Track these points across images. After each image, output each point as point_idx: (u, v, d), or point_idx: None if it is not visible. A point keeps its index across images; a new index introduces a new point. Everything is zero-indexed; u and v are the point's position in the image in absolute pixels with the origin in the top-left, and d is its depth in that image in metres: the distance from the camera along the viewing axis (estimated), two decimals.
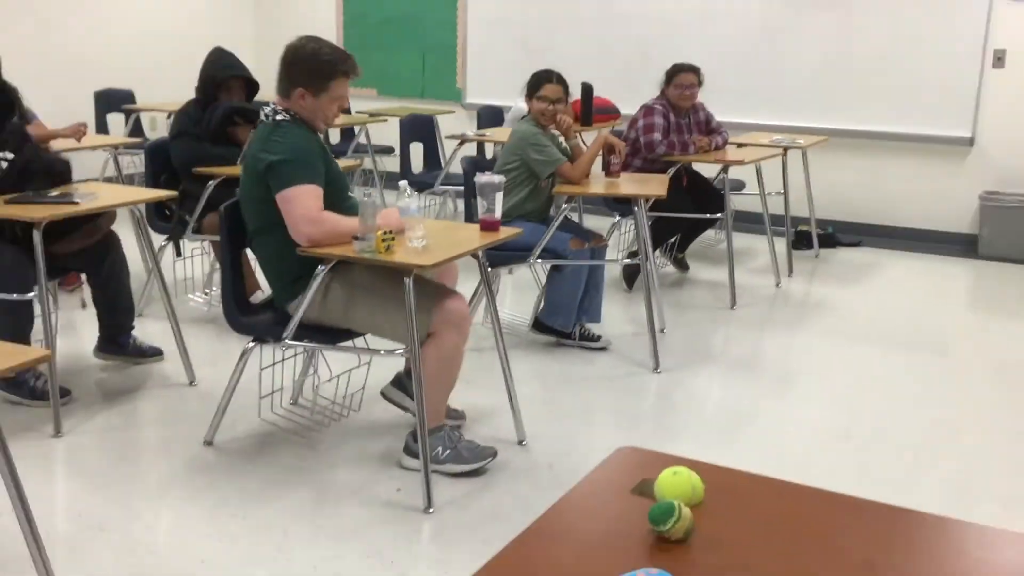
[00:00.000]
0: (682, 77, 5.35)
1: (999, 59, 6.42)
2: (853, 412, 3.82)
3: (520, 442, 3.44)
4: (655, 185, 4.42)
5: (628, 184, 4.49)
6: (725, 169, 5.34)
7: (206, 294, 5.03)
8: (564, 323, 4.39)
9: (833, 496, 1.61)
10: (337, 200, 3.13)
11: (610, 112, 6.85)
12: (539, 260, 4.21)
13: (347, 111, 7.72)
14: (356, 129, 7.35)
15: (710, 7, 7.17)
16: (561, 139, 4.48)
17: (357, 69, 3.11)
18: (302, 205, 2.98)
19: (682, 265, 5.89)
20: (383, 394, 3.51)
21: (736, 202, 6.50)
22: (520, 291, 5.32)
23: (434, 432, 3.09)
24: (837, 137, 6.84)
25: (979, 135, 6.57)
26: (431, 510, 2.92)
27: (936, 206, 6.81)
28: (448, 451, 3.09)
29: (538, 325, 4.49)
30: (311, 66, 3.07)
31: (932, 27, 6.53)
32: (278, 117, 3.11)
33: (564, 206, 4.32)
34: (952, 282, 5.93)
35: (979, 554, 1.45)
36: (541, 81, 4.36)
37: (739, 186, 6.31)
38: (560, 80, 4.37)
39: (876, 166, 6.93)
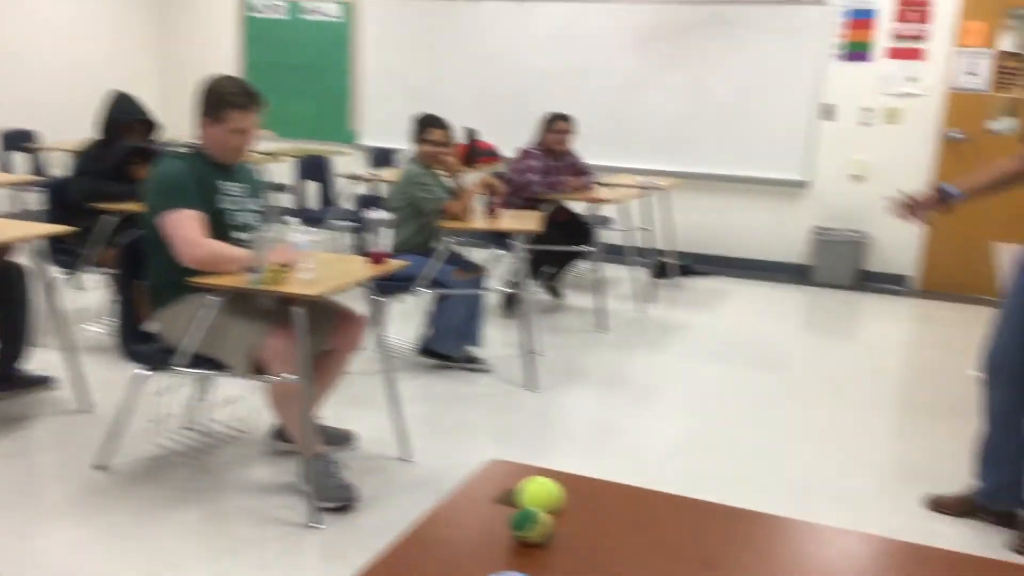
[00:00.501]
0: (558, 124, 5.45)
1: (828, 112, 6.74)
2: (705, 423, 3.90)
3: (404, 458, 3.39)
4: (530, 221, 4.45)
5: (506, 220, 4.50)
6: (595, 207, 5.43)
7: (102, 323, 4.81)
8: (451, 348, 4.36)
9: (679, 500, 1.62)
10: (223, 234, 3.01)
11: (492, 155, 6.89)
12: (424, 290, 4.17)
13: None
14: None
15: (581, 63, 7.31)
16: (445, 178, 4.47)
17: (253, 105, 3.00)
18: (180, 228, 2.89)
19: (556, 293, 5.95)
20: (271, 445, 3.44)
21: (604, 236, 6.62)
22: (408, 318, 5.28)
23: (310, 462, 2.95)
24: (692, 179, 7.05)
25: (811, 178, 6.86)
26: (318, 525, 2.84)
27: (775, 240, 7.07)
28: (319, 483, 2.93)
29: (426, 351, 4.43)
30: (209, 98, 2.99)
31: (771, 84, 6.81)
32: (176, 149, 3.02)
33: (448, 240, 4.30)
34: (789, 306, 6.15)
35: (808, 548, 1.48)
36: (427, 126, 4.36)
37: (607, 222, 6.41)
38: (444, 125, 4.38)
39: (725, 205, 7.16)
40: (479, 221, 4.41)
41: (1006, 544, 2.90)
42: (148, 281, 3.06)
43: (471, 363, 4.42)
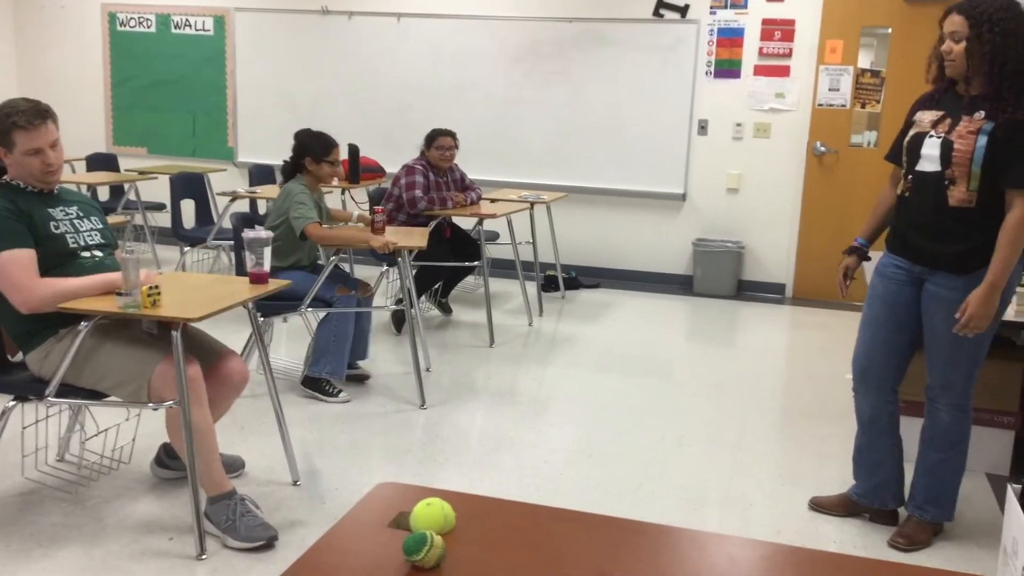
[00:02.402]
0: (442, 140, 5.45)
1: (702, 127, 6.98)
2: (595, 432, 3.96)
3: (295, 482, 3.31)
4: (417, 237, 4.43)
5: (392, 236, 4.45)
6: (480, 222, 5.45)
7: None
8: (333, 368, 4.20)
9: (570, 514, 1.64)
10: (60, 260, 2.84)
11: (375, 171, 6.84)
12: (309, 308, 4.10)
13: (113, 168, 7.26)
14: (126, 186, 6.91)
15: (461, 78, 7.35)
16: (321, 201, 4.40)
17: (38, 121, 2.78)
18: (7, 276, 2.71)
19: (446, 309, 5.94)
20: (153, 473, 3.31)
21: (491, 251, 6.66)
22: (295, 338, 5.17)
23: (216, 500, 2.84)
24: (575, 193, 7.18)
25: (689, 191, 7.09)
26: (204, 556, 2.74)
27: (658, 251, 7.26)
28: (228, 523, 2.81)
29: (306, 381, 4.25)
30: None
31: (647, 100, 7.00)
32: None
33: (332, 257, 4.23)
34: (673, 315, 6.32)
35: (697, 556, 1.52)
36: (331, 147, 4.28)
37: (493, 236, 6.45)
38: (337, 143, 4.35)
39: (609, 218, 7.31)
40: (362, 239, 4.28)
41: (888, 541, 3.05)
42: (6, 327, 2.89)
43: (357, 376, 4.43)
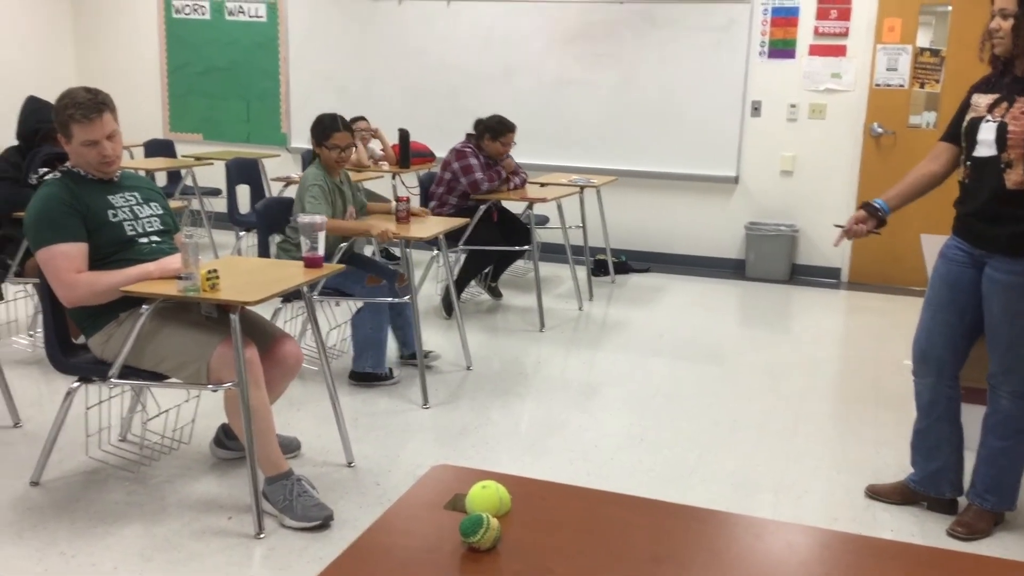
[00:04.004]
0: (509, 136, 5.41)
1: (756, 109, 6.87)
2: (647, 417, 3.95)
3: (349, 463, 3.36)
4: (428, 226, 4.21)
5: (391, 225, 4.08)
6: (530, 206, 5.45)
7: (31, 336, 4.66)
8: (375, 363, 4.17)
9: (625, 498, 1.64)
10: (118, 248, 2.91)
11: (425, 156, 6.88)
12: (331, 299, 4.03)
13: (170, 154, 7.40)
14: (183, 172, 7.04)
15: (511, 62, 7.33)
16: (343, 185, 4.19)
17: (93, 114, 2.83)
18: (52, 269, 2.80)
19: (496, 293, 5.95)
20: (212, 454, 3.37)
21: (541, 235, 6.66)
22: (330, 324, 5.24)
23: (274, 480, 2.90)
24: (625, 177, 7.13)
25: (742, 174, 6.99)
26: (262, 535, 2.80)
27: (710, 235, 7.19)
28: (285, 503, 2.86)
29: (353, 376, 4.23)
30: (56, 116, 2.89)
31: (699, 81, 6.92)
32: (47, 177, 2.93)
33: (342, 245, 4.07)
34: (725, 300, 6.26)
35: (752, 543, 1.51)
36: (329, 130, 4.03)
37: (543, 221, 6.45)
38: (347, 126, 4.08)
39: (660, 201, 7.25)
40: (403, 229, 4.12)
41: (946, 530, 3.00)
42: (69, 311, 2.96)
43: (424, 358, 4.26)
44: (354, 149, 4.23)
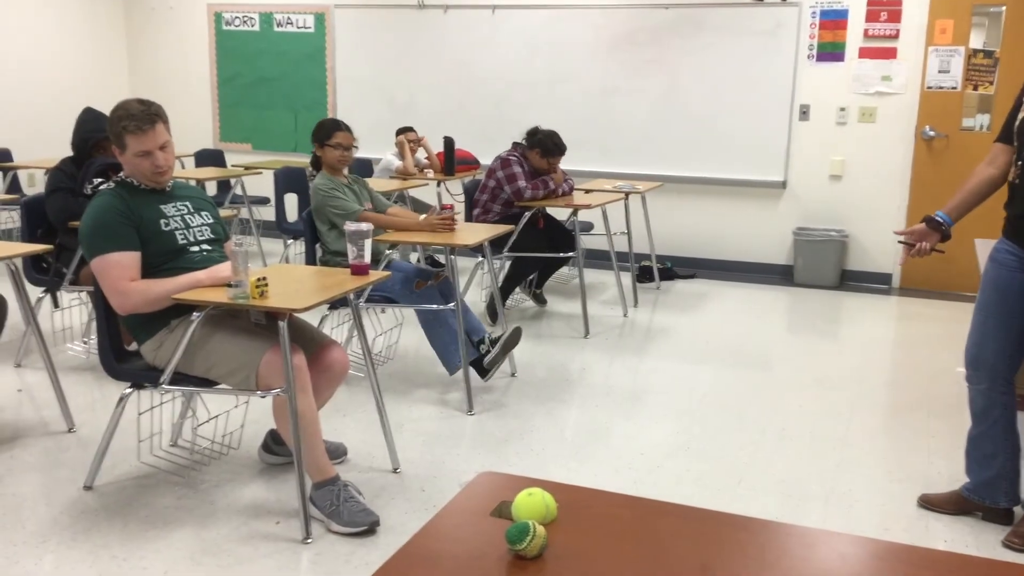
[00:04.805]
0: (558, 159, 5.46)
1: (804, 113, 6.79)
2: (693, 425, 3.91)
3: (395, 469, 3.37)
4: (474, 233, 4.23)
5: (459, 234, 4.15)
6: (575, 212, 5.44)
7: (84, 343, 4.77)
8: (459, 361, 4.10)
9: (672, 507, 1.63)
10: (170, 256, 2.96)
11: (470, 163, 6.90)
12: (368, 303, 4.04)
13: (220, 164, 7.53)
14: (232, 181, 7.16)
15: (557, 70, 7.34)
16: (354, 184, 4.26)
17: (146, 125, 2.89)
18: (107, 278, 2.86)
19: (540, 300, 5.95)
20: (261, 459, 3.41)
21: (586, 241, 6.64)
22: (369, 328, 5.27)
23: (321, 486, 2.92)
24: (671, 183, 7.09)
25: (790, 179, 6.91)
26: (310, 540, 2.82)
27: (757, 241, 7.11)
28: (332, 508, 2.89)
29: (477, 369, 4.17)
30: (110, 127, 2.95)
31: (746, 86, 6.86)
32: (101, 187, 3.01)
33: (387, 252, 4.17)
34: (773, 307, 6.18)
35: (802, 553, 1.49)
36: (331, 130, 4.15)
37: (588, 227, 6.43)
38: (347, 128, 4.20)
39: (705, 207, 7.19)
40: (419, 236, 4.12)
41: (1001, 541, 2.92)
42: (122, 319, 3.02)
43: (494, 344, 4.18)
44: (356, 149, 4.28)
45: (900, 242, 3.05)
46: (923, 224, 2.97)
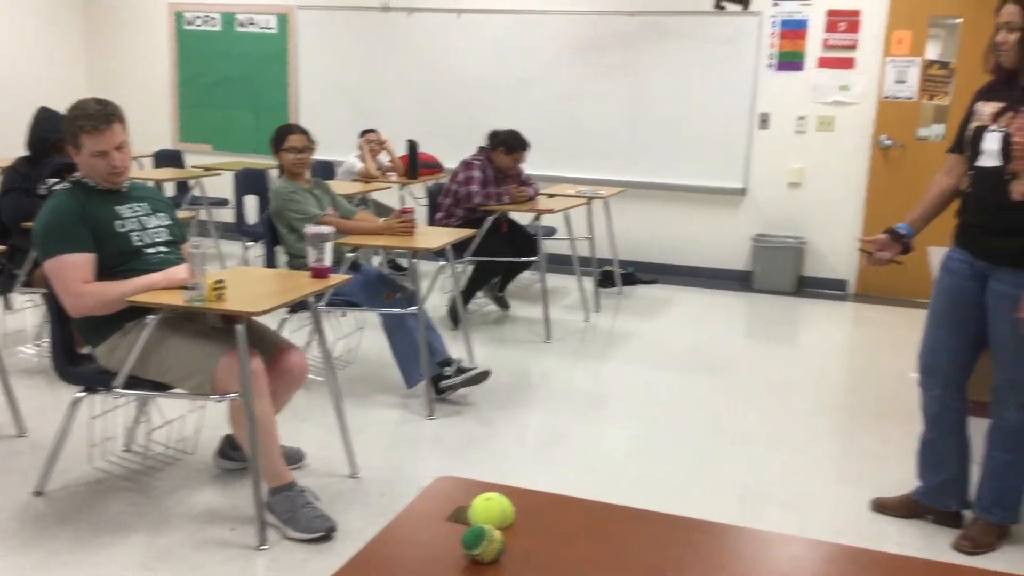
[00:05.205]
0: (522, 154, 5.50)
1: (764, 121, 6.87)
2: (654, 429, 3.93)
3: (353, 475, 3.35)
4: (436, 237, 4.22)
5: (416, 237, 4.14)
6: (538, 217, 5.46)
7: (37, 345, 4.68)
8: (419, 376, 4.08)
9: (629, 511, 1.63)
10: (125, 258, 2.92)
11: (434, 167, 6.89)
12: (330, 307, 4.01)
13: (179, 164, 7.44)
14: (191, 182, 7.07)
15: (522, 74, 7.35)
16: (316, 189, 4.27)
17: (103, 125, 2.85)
18: (60, 280, 2.81)
19: (503, 303, 5.95)
20: (216, 465, 3.37)
21: (548, 246, 6.65)
22: (343, 334, 5.24)
23: (277, 491, 2.89)
24: (633, 188, 7.13)
25: (750, 186, 6.99)
26: (265, 547, 2.79)
27: (717, 247, 7.18)
28: (288, 514, 2.86)
29: (437, 389, 4.13)
30: (66, 127, 2.91)
31: (708, 93, 6.93)
32: (56, 187, 2.95)
33: (348, 254, 4.13)
34: (732, 312, 6.24)
35: (756, 555, 1.50)
36: (284, 134, 4.20)
37: (551, 232, 6.45)
38: (303, 130, 4.23)
39: (667, 213, 7.25)
40: (378, 238, 4.13)
41: (952, 544, 2.97)
42: (74, 321, 2.96)
43: (464, 373, 4.15)
44: (313, 151, 4.29)
45: (860, 249, 3.10)
46: (885, 235, 3.02)
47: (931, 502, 3.10)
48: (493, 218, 5.29)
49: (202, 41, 8.28)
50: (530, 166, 5.89)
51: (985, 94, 2.86)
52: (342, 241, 3.96)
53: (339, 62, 7.87)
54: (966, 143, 2.86)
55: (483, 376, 4.18)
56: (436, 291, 6.23)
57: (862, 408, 4.31)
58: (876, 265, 3.02)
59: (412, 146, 6.54)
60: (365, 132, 6.61)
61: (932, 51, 6.49)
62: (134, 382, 2.91)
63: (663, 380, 4.63)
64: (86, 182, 2.96)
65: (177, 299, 2.76)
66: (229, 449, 3.34)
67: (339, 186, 5.89)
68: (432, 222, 5.59)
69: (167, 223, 3.11)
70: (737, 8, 6.80)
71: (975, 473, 3.04)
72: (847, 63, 6.63)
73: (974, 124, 2.83)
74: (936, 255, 3.84)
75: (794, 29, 6.71)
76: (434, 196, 5.67)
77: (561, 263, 7.11)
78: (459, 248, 5.15)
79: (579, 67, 7.21)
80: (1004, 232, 2.75)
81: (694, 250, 7.23)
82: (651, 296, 6.58)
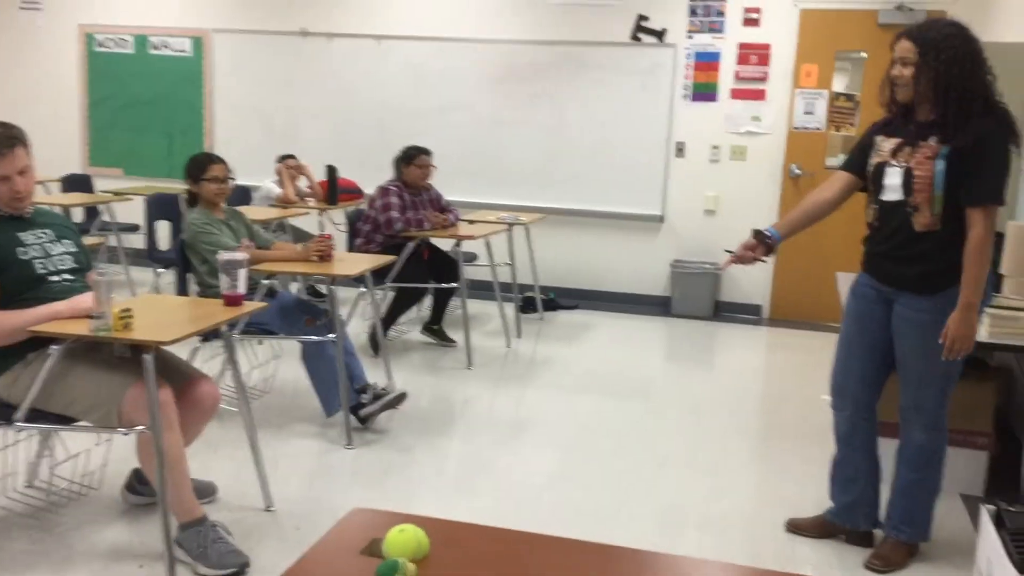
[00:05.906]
0: (421, 159, 5.48)
1: (680, 150, 7.03)
2: (574, 455, 3.94)
3: (268, 508, 3.27)
4: (355, 263, 4.19)
5: (334, 263, 4.09)
6: (459, 243, 5.45)
7: None
8: (338, 404, 4.01)
9: (544, 539, 1.63)
10: (28, 285, 2.81)
11: (353, 192, 6.84)
12: (245, 335, 3.93)
13: (88, 189, 7.21)
14: (100, 207, 6.86)
15: (443, 100, 7.37)
16: (231, 220, 4.16)
17: (3, 148, 2.73)
18: None
19: (444, 338, 5.75)
20: (124, 500, 3.25)
21: (470, 272, 6.65)
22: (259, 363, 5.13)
23: (187, 527, 2.81)
24: (554, 215, 7.19)
25: (667, 213, 7.12)
26: None
27: (636, 273, 7.28)
28: (199, 550, 2.77)
29: (357, 417, 4.07)
30: None
31: (627, 123, 7.05)
32: None
33: (263, 281, 3.99)
34: (651, 337, 6.33)
35: None
36: (204, 164, 4.06)
37: (472, 258, 6.45)
38: (222, 160, 4.12)
39: (587, 239, 7.33)
40: (296, 266, 4.07)
41: (864, 563, 3.05)
42: None
43: (381, 399, 4.09)
44: (233, 181, 4.19)
45: (726, 251, 3.19)
46: (751, 238, 3.11)
47: (842, 522, 3.17)
48: (415, 244, 5.26)
49: (114, 63, 8.07)
50: (451, 192, 5.89)
51: (883, 128, 2.97)
52: (258, 268, 3.88)
53: (256, 86, 7.76)
54: (869, 179, 2.96)
55: (400, 399, 4.14)
56: (356, 317, 6.15)
57: (778, 430, 4.41)
58: (740, 264, 3.12)
59: (332, 171, 6.49)
60: (284, 157, 6.52)
61: (839, 84, 6.74)
62: (37, 415, 2.79)
63: (584, 405, 4.65)
64: None
65: (82, 328, 2.66)
66: (137, 484, 3.23)
67: (257, 211, 5.80)
68: (351, 248, 5.53)
69: (73, 250, 3.01)
70: (653, 40, 6.95)
71: (885, 493, 3.13)
72: (759, 94, 6.83)
73: (875, 160, 2.94)
74: (844, 281, 3.97)
75: (708, 61, 6.89)
76: (353, 222, 5.61)
77: (482, 289, 7.11)
78: (379, 274, 5.11)
79: (500, 95, 7.26)
80: (907, 260, 2.86)
81: (614, 276, 7.32)
82: (572, 322, 6.62)
